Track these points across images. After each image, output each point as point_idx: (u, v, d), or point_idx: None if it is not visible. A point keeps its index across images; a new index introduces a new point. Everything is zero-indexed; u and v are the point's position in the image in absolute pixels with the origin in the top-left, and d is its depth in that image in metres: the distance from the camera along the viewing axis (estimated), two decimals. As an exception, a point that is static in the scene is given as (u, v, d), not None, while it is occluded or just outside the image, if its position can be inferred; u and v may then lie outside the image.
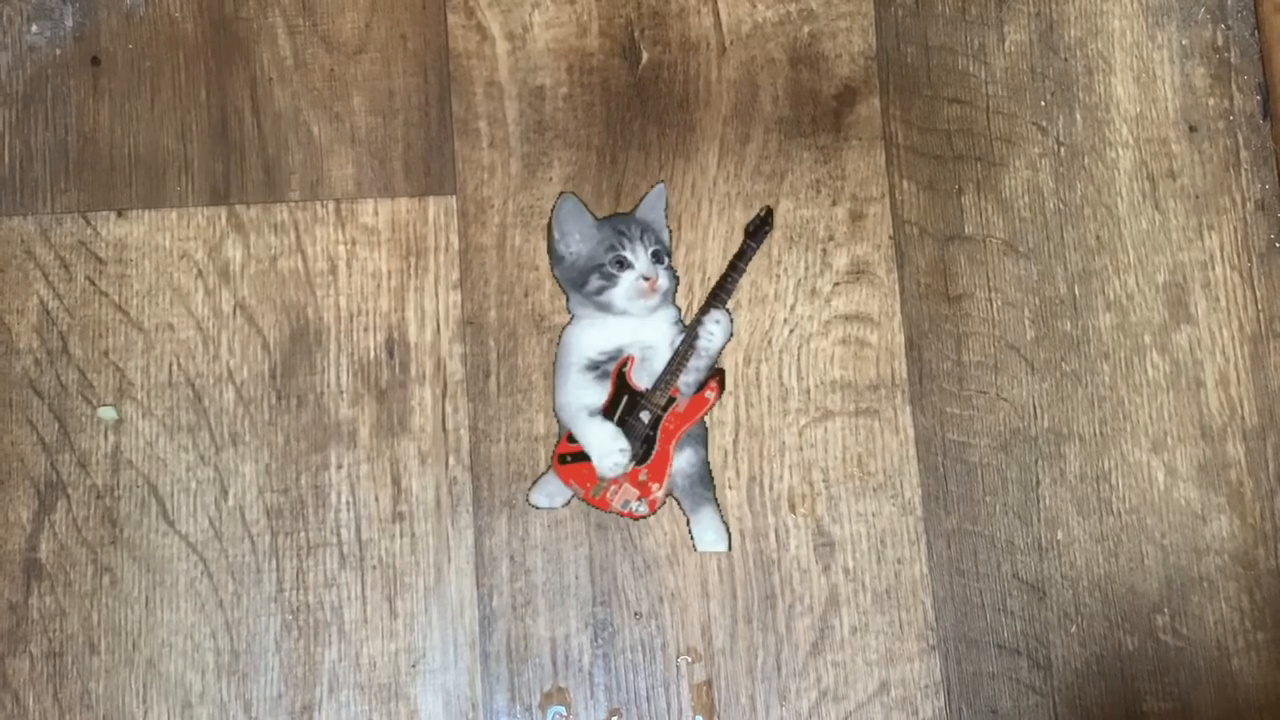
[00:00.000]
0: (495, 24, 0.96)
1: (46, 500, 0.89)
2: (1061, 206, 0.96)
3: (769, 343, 0.93)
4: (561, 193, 0.94)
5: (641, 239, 0.92)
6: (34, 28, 0.95)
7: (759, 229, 0.94)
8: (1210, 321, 0.95)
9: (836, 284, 0.94)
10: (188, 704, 0.88)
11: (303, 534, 0.90)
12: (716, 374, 0.92)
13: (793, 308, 0.94)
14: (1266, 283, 0.96)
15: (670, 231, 0.94)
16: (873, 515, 0.92)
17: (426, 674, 0.89)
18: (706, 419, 0.92)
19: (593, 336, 0.92)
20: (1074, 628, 0.91)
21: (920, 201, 0.96)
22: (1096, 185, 0.96)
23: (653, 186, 0.94)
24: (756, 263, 0.94)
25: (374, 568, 0.90)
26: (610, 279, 0.91)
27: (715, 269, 0.94)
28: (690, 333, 0.92)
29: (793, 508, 0.92)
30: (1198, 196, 0.96)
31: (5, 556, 0.89)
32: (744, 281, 0.94)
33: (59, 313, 0.92)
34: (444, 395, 0.92)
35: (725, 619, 0.90)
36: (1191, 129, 0.97)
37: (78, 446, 0.90)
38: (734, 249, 0.94)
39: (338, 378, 0.92)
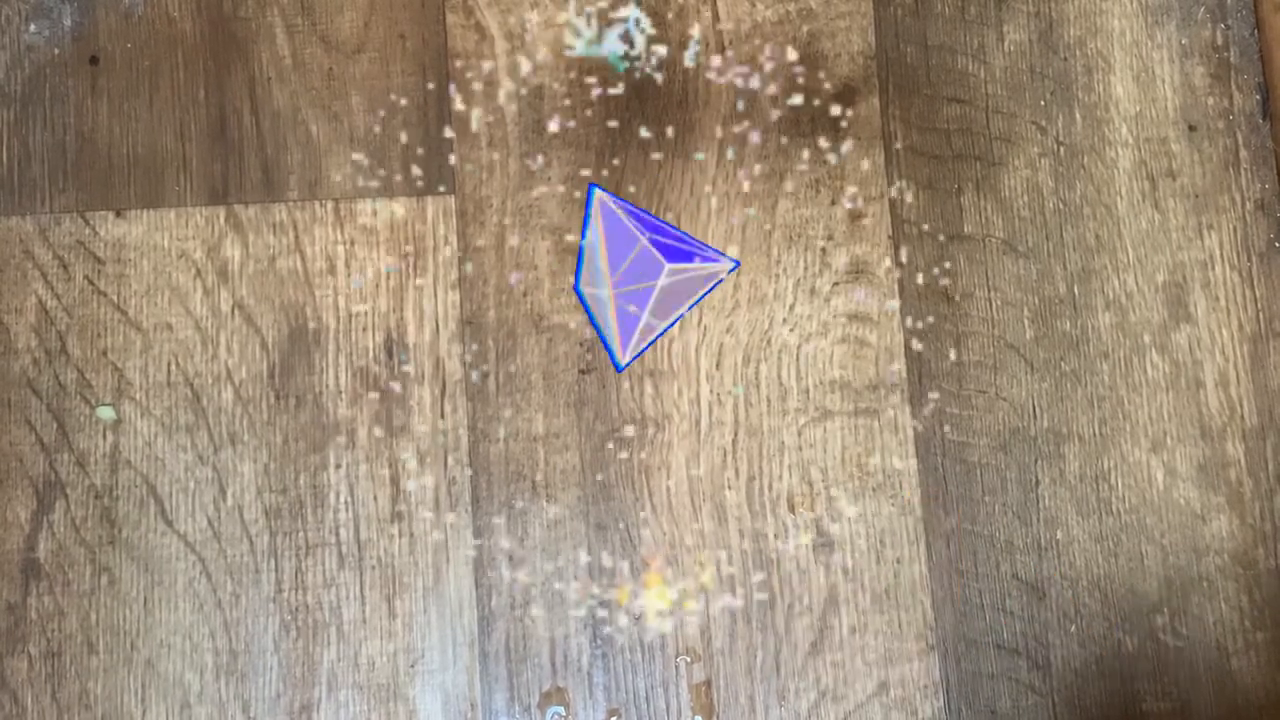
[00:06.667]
0: (494, 23, 0.96)
1: (45, 500, 0.89)
2: (1061, 206, 0.96)
3: (768, 342, 0.93)
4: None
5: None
6: (32, 27, 0.95)
7: None
8: (1210, 321, 0.95)
9: (836, 284, 0.94)
10: (186, 704, 0.88)
11: (301, 534, 0.90)
12: None
13: (792, 307, 0.94)
14: (1266, 282, 0.96)
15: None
16: (872, 515, 0.92)
17: (425, 674, 0.89)
18: (706, 417, 0.92)
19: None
20: (1073, 628, 0.91)
21: (920, 201, 0.96)
22: (1096, 185, 0.96)
23: (652, 186, 0.94)
24: (756, 262, 0.94)
25: (373, 568, 0.90)
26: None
27: (714, 269, 0.94)
28: None
29: (792, 508, 0.91)
30: (1197, 196, 0.96)
31: (3, 556, 0.89)
32: (744, 281, 0.94)
33: (57, 312, 0.91)
34: (443, 395, 0.92)
35: (724, 619, 0.90)
36: (1191, 128, 0.97)
37: (76, 446, 0.90)
38: (733, 248, 0.94)
39: (336, 378, 0.92)
